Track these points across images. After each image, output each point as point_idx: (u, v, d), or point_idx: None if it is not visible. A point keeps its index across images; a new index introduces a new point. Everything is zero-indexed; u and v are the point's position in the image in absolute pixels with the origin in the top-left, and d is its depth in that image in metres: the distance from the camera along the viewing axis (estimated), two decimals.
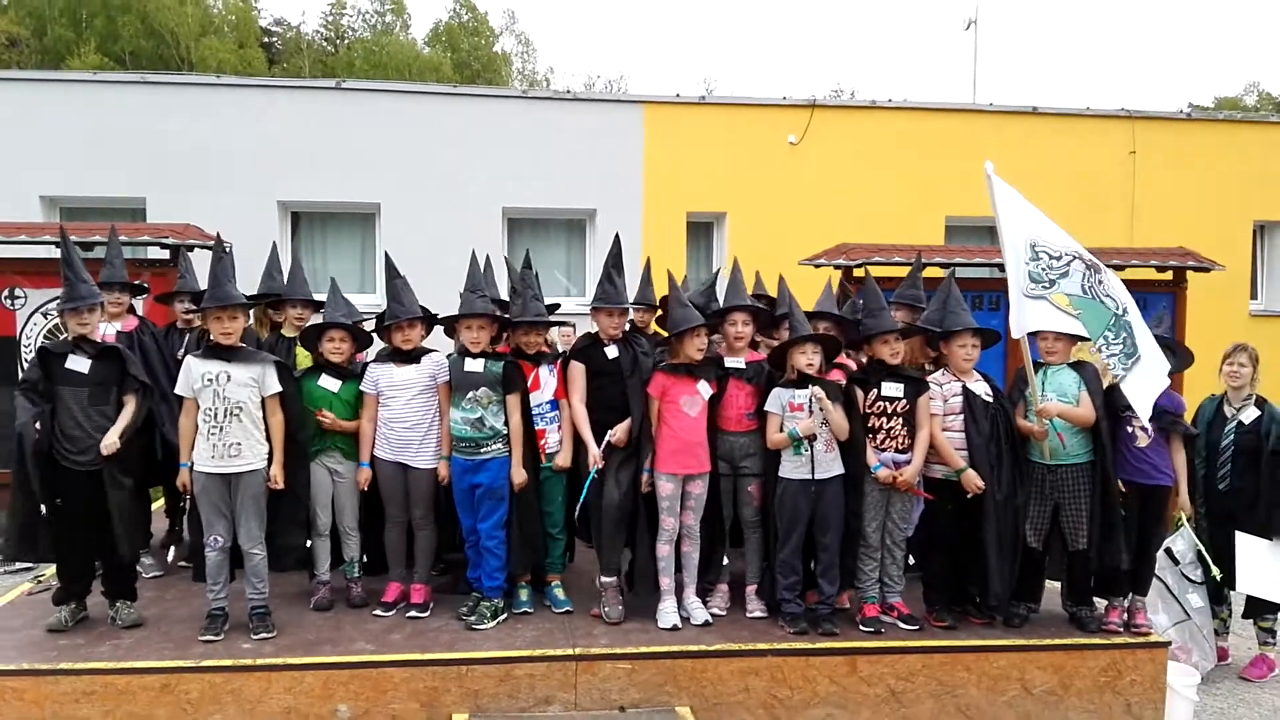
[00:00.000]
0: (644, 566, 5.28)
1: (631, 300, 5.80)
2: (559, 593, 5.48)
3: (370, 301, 11.39)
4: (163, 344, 6.17)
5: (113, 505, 4.94)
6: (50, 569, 5.90)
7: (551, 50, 66.78)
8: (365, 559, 5.59)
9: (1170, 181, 12.92)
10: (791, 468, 5.14)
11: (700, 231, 13.06)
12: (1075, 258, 5.09)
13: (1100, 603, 5.39)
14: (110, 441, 4.88)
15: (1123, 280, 9.58)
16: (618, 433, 5.22)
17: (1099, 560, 5.15)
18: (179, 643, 4.84)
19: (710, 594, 5.46)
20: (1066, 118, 13.22)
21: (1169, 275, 9.78)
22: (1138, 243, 11.92)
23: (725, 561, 5.66)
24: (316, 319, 5.90)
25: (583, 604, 5.42)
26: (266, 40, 44.10)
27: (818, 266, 9.45)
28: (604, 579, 5.34)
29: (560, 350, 5.82)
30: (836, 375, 5.32)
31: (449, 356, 5.45)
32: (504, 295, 6.33)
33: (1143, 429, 5.17)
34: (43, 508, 4.89)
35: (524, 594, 5.40)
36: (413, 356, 5.34)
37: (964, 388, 5.25)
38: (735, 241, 12.26)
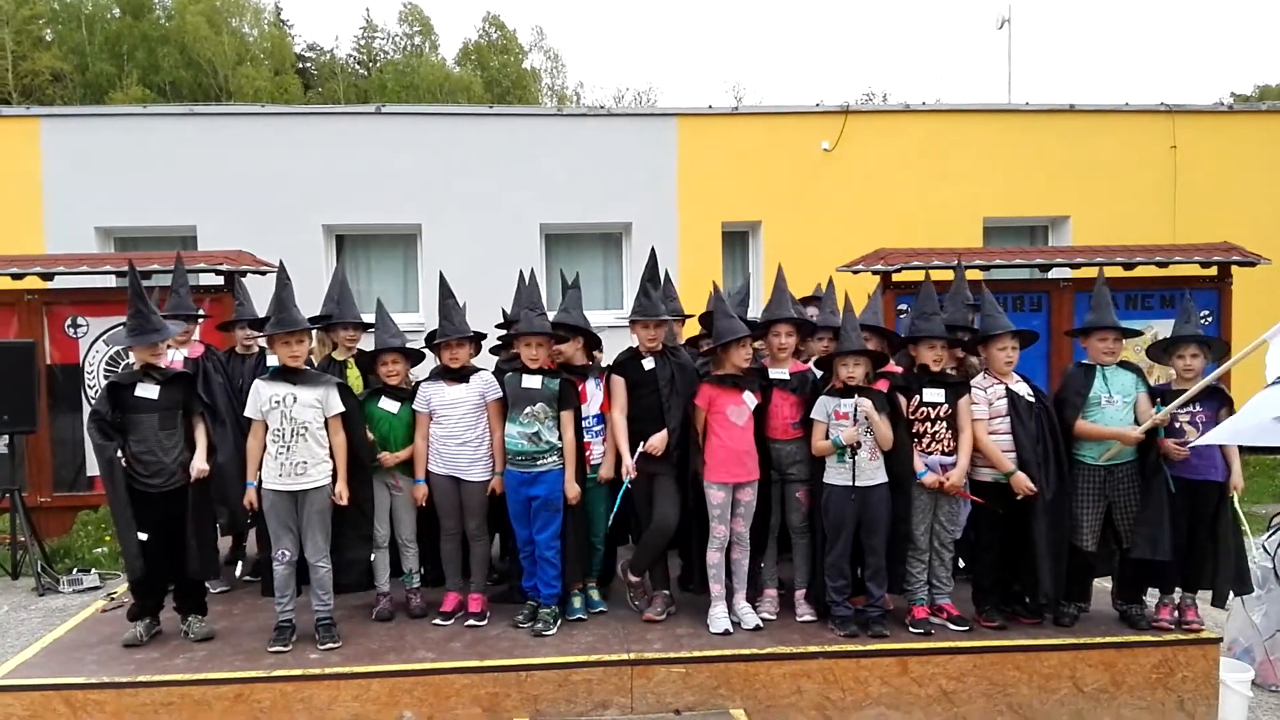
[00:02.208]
0: (702, 570, 5.42)
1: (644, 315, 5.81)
2: (594, 594, 5.67)
3: (414, 320, 11.62)
4: (225, 369, 6.35)
5: (192, 527, 5.17)
6: (123, 586, 6.13)
7: (580, 65, 67.36)
8: (424, 571, 5.76)
9: (1213, 175, 12.79)
10: (835, 474, 5.23)
11: (736, 241, 13.15)
12: None
13: (1151, 601, 5.41)
14: (201, 466, 5.17)
15: (1167, 277, 9.66)
16: (653, 442, 5.35)
17: (1145, 554, 5.14)
18: (249, 654, 5.03)
19: (759, 599, 5.57)
20: (1104, 114, 13.14)
21: (1214, 271, 9.70)
22: (1180, 239, 11.81)
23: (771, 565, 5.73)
24: (366, 339, 6.09)
25: (633, 612, 5.55)
26: (301, 66, 44.92)
27: (856, 273, 9.51)
28: (631, 578, 5.55)
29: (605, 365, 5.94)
30: (881, 385, 5.39)
31: (503, 375, 5.60)
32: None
33: (1191, 424, 5.20)
34: (141, 536, 5.06)
35: (577, 601, 5.53)
36: (462, 375, 5.50)
37: (1007, 389, 5.31)
38: (771, 250, 12.35)
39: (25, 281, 9.02)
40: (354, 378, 5.95)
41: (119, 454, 5.06)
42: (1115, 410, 5.24)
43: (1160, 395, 5.28)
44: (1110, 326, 5.33)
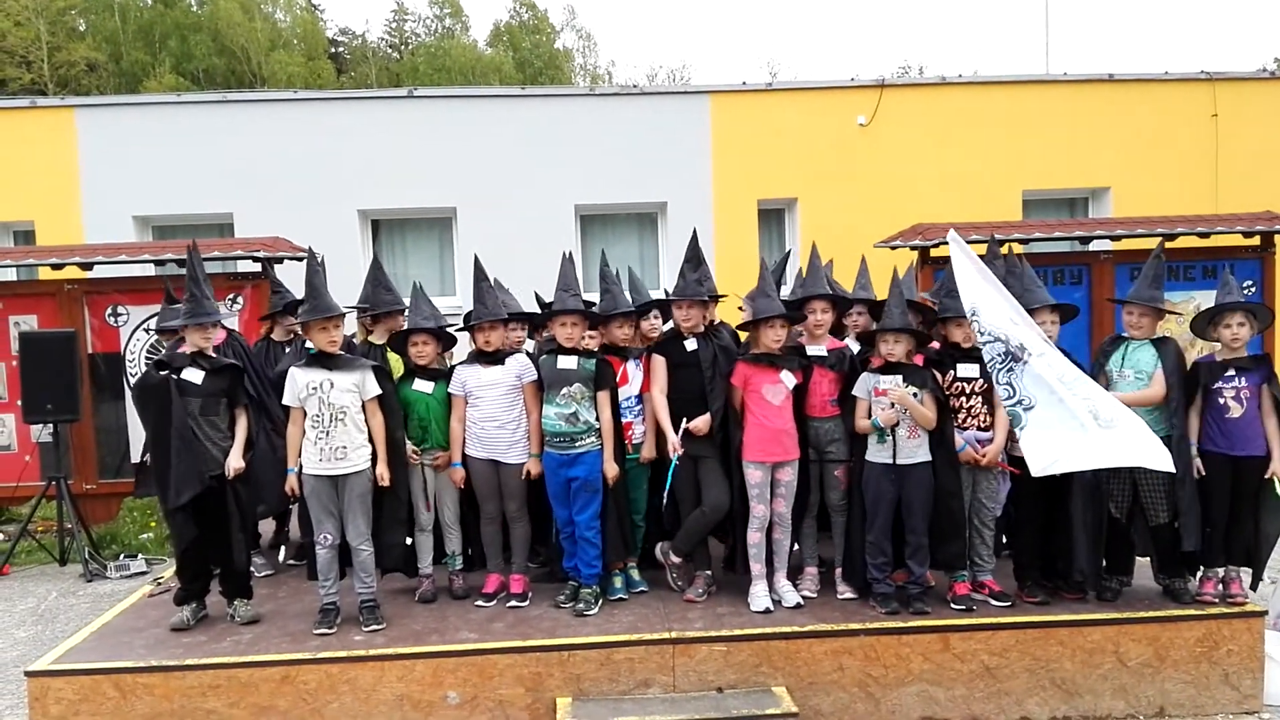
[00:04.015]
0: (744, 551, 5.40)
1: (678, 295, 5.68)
2: (634, 574, 5.68)
3: (452, 303, 11.67)
4: (250, 356, 6.35)
5: (231, 516, 5.27)
6: (169, 571, 6.24)
7: (612, 43, 67.01)
8: (470, 552, 5.81)
9: (1255, 143, 12.51)
10: (875, 452, 5.20)
11: (772, 218, 13.06)
12: (998, 341, 4.85)
13: (1194, 574, 5.33)
14: (237, 465, 5.25)
15: (1209, 247, 9.47)
16: (696, 422, 5.33)
17: (1194, 546, 5.09)
18: (295, 636, 5.10)
19: (800, 577, 5.55)
20: (1144, 83, 12.86)
21: (1256, 240, 9.52)
22: (1223, 208, 11.59)
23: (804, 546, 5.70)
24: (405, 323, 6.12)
25: (674, 591, 5.55)
26: (334, 51, 45.08)
27: (894, 248, 9.41)
28: (674, 558, 5.50)
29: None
30: (919, 360, 5.32)
31: (540, 355, 5.61)
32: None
33: (1235, 400, 5.10)
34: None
35: (618, 581, 5.55)
36: (498, 357, 5.51)
37: None
38: (807, 227, 12.25)
39: (65, 271, 9.17)
40: (394, 361, 5.99)
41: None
42: (1126, 384, 5.18)
43: (1206, 366, 5.22)
44: (1134, 300, 5.30)
